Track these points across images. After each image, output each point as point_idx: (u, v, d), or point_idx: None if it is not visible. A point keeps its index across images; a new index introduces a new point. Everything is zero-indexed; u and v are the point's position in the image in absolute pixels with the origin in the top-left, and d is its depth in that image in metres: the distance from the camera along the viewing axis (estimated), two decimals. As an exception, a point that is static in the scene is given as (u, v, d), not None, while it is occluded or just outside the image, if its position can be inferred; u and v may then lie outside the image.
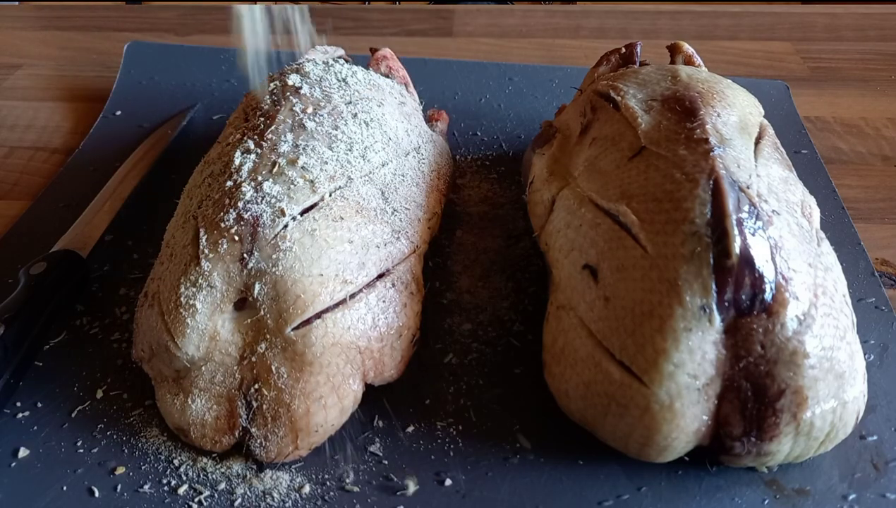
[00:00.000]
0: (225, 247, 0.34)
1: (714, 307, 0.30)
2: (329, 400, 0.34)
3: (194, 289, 0.34)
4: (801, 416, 0.30)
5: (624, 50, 0.47)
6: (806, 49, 0.74)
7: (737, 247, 0.30)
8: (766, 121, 0.40)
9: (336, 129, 0.40)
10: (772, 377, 0.30)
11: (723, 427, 0.31)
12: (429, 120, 0.52)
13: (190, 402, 0.35)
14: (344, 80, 0.44)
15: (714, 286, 0.30)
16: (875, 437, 0.36)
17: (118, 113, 0.61)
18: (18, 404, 0.37)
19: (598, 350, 0.33)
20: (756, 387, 0.30)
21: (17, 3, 0.82)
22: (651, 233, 0.32)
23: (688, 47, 0.47)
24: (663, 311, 0.31)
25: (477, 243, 0.47)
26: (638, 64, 0.46)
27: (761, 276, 0.30)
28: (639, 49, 0.47)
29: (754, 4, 0.85)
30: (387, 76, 0.49)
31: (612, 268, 0.33)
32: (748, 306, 0.30)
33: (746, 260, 0.30)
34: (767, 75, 0.68)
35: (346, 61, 0.49)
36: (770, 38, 0.76)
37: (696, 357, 0.30)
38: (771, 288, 0.30)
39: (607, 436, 0.34)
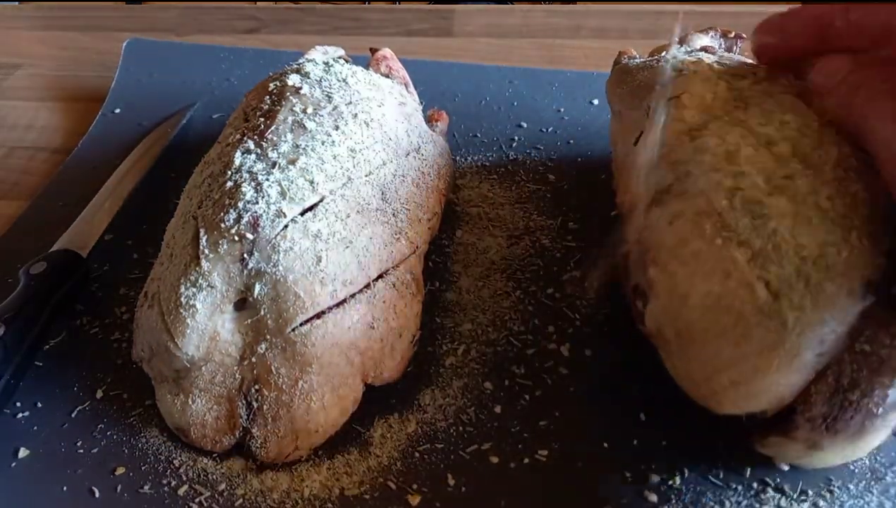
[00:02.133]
0: (225, 247, 0.34)
1: (873, 288, 0.29)
2: (329, 400, 0.34)
3: (194, 290, 0.34)
4: (869, 424, 0.30)
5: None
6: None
7: None
8: None
9: (336, 130, 0.40)
10: (875, 374, 0.29)
11: (803, 403, 0.30)
12: (429, 120, 0.52)
13: (190, 402, 0.35)
14: (344, 80, 0.44)
15: (883, 270, 0.29)
16: (875, 438, 0.36)
17: (117, 111, 0.61)
18: (18, 404, 0.37)
19: (751, 267, 0.31)
20: (854, 378, 0.29)
21: (17, 3, 0.82)
22: (842, 195, 0.31)
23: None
24: (841, 266, 0.29)
25: (477, 243, 0.47)
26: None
27: None
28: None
29: (754, 4, 0.85)
30: (387, 76, 0.49)
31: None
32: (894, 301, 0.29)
33: None
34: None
35: (346, 61, 0.49)
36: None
37: (832, 324, 0.29)
38: None
39: (695, 360, 0.32)
